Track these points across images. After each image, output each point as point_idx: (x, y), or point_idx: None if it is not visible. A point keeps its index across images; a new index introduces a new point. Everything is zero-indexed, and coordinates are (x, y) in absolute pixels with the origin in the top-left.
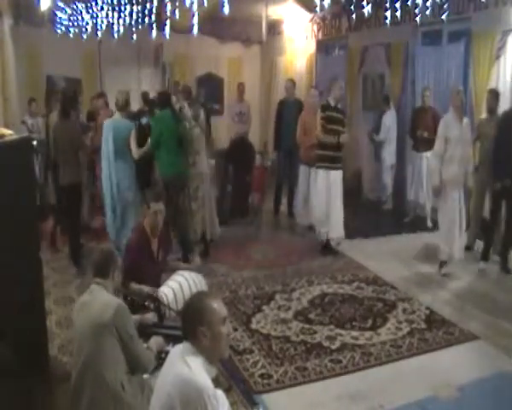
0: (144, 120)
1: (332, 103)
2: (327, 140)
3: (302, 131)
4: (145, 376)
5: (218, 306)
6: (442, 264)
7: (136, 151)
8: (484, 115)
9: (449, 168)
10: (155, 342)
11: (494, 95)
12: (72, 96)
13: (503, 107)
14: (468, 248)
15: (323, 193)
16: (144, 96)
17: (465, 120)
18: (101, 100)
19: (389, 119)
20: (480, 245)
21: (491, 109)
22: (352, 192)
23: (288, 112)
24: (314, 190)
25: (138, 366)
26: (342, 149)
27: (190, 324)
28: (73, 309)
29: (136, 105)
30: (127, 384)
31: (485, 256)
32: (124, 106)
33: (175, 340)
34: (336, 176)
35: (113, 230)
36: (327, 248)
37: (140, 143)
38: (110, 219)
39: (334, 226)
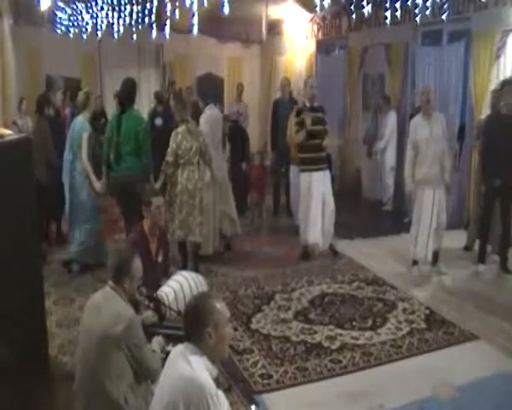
0: (159, 122)
1: (307, 104)
2: (309, 143)
3: (291, 131)
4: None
5: (222, 307)
6: (413, 264)
7: (84, 155)
8: (485, 114)
9: (419, 170)
10: (157, 342)
11: (498, 94)
12: (47, 96)
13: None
14: (468, 248)
15: (305, 197)
16: (158, 95)
17: (435, 114)
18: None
19: (391, 121)
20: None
21: (495, 109)
22: (352, 192)
23: (283, 111)
24: (296, 192)
25: (146, 373)
26: (325, 151)
27: (196, 324)
28: (85, 307)
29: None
30: (131, 397)
31: (481, 258)
32: (82, 106)
33: (175, 340)
34: (324, 177)
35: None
36: (306, 254)
37: (155, 146)
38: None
39: (325, 235)
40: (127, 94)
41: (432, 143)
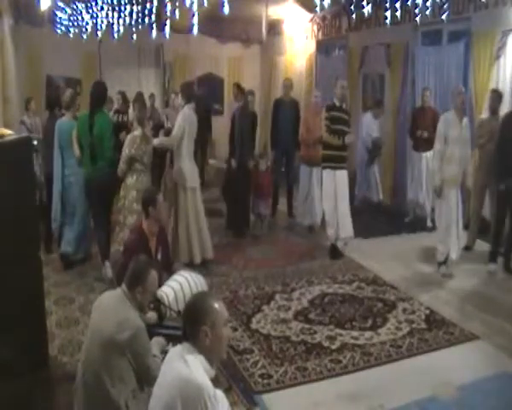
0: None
1: (337, 103)
2: (331, 140)
3: (304, 130)
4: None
5: (221, 307)
6: (440, 265)
7: (77, 152)
8: (484, 115)
9: (448, 168)
10: (157, 342)
11: (497, 95)
12: (57, 95)
13: (503, 107)
14: (468, 248)
15: (330, 193)
16: (123, 94)
17: (465, 120)
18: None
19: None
20: (479, 245)
21: (494, 110)
22: (352, 192)
23: (284, 111)
24: (317, 190)
25: (148, 380)
26: (347, 150)
27: (193, 323)
28: (94, 304)
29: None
30: (132, 403)
31: (494, 258)
32: (67, 106)
33: (175, 340)
34: (342, 175)
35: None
36: (336, 252)
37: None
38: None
39: (342, 226)
40: (98, 97)
41: (460, 144)
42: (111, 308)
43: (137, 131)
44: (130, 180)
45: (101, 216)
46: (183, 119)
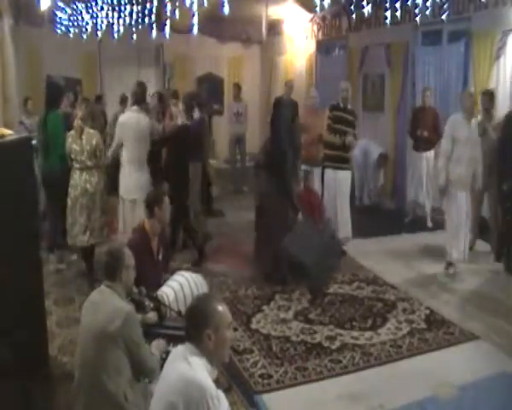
0: None
1: (341, 104)
2: (332, 139)
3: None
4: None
5: (224, 310)
6: (448, 265)
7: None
8: (480, 116)
9: (456, 169)
10: (157, 345)
11: (489, 96)
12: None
13: (503, 107)
14: (469, 248)
15: (331, 194)
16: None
17: (473, 121)
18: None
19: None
20: (480, 245)
21: (487, 110)
22: (352, 192)
23: (285, 111)
24: (318, 190)
25: (144, 371)
26: (350, 151)
27: (196, 325)
28: (83, 306)
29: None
30: (130, 394)
31: (499, 258)
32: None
33: (176, 340)
34: (343, 176)
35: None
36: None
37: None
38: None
39: (341, 227)
40: (52, 98)
41: (469, 145)
42: (99, 304)
43: (72, 131)
44: (73, 178)
45: (54, 209)
46: (118, 126)
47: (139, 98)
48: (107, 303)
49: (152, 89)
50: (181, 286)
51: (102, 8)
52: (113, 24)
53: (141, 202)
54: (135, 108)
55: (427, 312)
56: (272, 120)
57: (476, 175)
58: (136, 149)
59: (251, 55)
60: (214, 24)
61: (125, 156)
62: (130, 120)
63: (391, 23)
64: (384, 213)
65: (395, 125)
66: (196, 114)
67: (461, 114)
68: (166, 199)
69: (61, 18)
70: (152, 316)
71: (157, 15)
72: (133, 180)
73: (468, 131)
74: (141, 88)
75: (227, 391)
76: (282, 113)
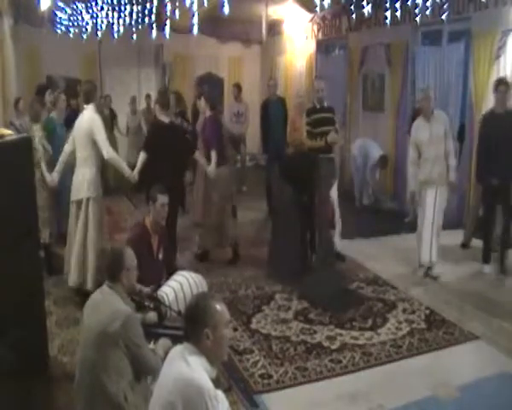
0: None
1: (317, 105)
2: (314, 144)
3: (292, 130)
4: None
5: (222, 308)
6: (420, 266)
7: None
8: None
9: (424, 169)
10: (162, 345)
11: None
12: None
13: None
14: (465, 245)
15: None
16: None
17: (436, 114)
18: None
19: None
20: (476, 243)
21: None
22: (352, 192)
23: (273, 111)
24: None
25: (146, 370)
26: (333, 150)
27: (194, 324)
28: (84, 305)
29: (138, 104)
30: (130, 395)
31: (486, 259)
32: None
33: (176, 340)
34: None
35: None
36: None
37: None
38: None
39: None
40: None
41: (433, 144)
42: (100, 304)
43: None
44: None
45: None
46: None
47: (89, 97)
48: (107, 304)
49: (152, 89)
50: (181, 286)
51: (102, 8)
52: (113, 24)
53: (92, 201)
54: (85, 106)
55: (427, 312)
56: (261, 122)
57: (449, 168)
58: (84, 146)
59: (251, 55)
60: (214, 24)
61: (77, 157)
62: (78, 119)
63: (391, 23)
64: (384, 213)
65: (395, 125)
66: (208, 113)
67: (421, 118)
68: (164, 198)
69: (60, 18)
70: (152, 316)
71: (157, 15)
72: (81, 179)
73: (429, 131)
74: (88, 86)
75: (227, 391)
76: (270, 113)
